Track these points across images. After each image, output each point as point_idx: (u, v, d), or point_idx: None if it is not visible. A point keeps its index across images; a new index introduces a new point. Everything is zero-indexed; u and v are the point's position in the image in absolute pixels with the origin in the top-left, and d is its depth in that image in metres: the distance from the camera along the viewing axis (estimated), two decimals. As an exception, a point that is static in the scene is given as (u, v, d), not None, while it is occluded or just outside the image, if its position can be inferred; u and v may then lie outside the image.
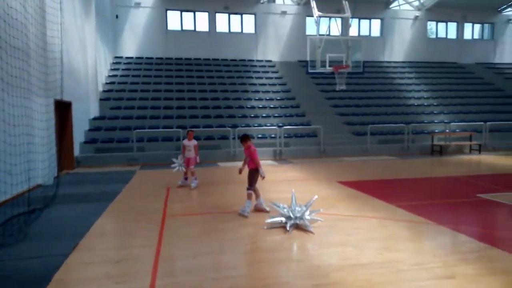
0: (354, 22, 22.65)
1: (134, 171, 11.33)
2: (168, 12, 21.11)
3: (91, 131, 13.94)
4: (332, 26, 20.08)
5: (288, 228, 5.11)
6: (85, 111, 13.73)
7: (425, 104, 19.06)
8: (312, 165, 12.25)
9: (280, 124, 15.36)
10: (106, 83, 17.79)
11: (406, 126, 15.46)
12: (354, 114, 17.34)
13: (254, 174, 6.14)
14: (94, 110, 14.94)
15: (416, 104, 18.99)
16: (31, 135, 7.95)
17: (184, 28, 21.38)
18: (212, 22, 21.47)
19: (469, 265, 3.91)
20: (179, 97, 17.28)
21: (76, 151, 12.28)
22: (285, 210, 5.33)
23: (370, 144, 14.83)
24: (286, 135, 14.65)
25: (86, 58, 13.59)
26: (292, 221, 5.19)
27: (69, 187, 8.74)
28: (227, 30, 21.88)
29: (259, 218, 5.82)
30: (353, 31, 22.31)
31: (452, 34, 24.54)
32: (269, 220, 5.38)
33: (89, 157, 12.57)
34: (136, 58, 20.61)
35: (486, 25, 24.77)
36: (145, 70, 19.55)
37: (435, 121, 17.30)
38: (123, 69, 19.44)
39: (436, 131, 16.28)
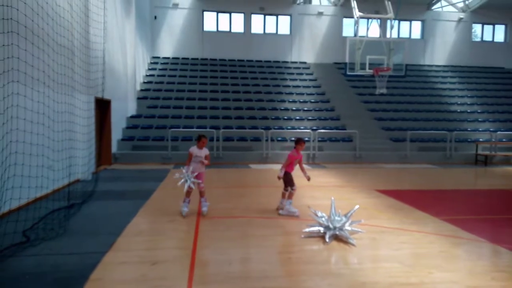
0: (394, 24, 21.88)
1: (168, 169, 11.43)
2: (205, 13, 21.32)
3: (128, 129, 14.27)
4: (371, 28, 19.43)
5: (327, 239, 4.86)
6: (123, 109, 14.08)
7: (469, 111, 18.02)
8: (348, 171, 11.85)
9: (314, 127, 15.03)
10: (144, 82, 18.20)
11: (448, 133, 14.65)
12: (392, 119, 16.67)
13: (286, 176, 6.24)
14: (132, 108, 15.30)
15: (459, 110, 18.00)
16: (73, 131, 8.17)
17: (219, 29, 21.52)
18: (247, 23, 21.46)
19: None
20: (213, 97, 17.37)
21: (114, 148, 12.59)
22: (323, 219, 5.08)
23: (410, 151, 14.16)
24: (320, 139, 14.31)
25: (126, 58, 13.94)
26: (331, 232, 4.93)
27: (106, 184, 8.92)
28: (262, 31, 21.80)
29: (297, 226, 5.60)
30: (393, 33, 21.57)
31: (500, 37, 23.12)
32: (307, 229, 5.14)
33: (126, 154, 12.85)
34: (173, 58, 20.97)
35: (538, 28, 23.13)
36: (181, 71, 19.84)
37: (480, 129, 16.30)
38: (160, 69, 19.83)
39: (481, 139, 15.32)
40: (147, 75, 19.06)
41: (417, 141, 14.91)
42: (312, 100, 17.97)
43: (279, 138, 14.55)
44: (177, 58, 20.98)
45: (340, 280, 3.76)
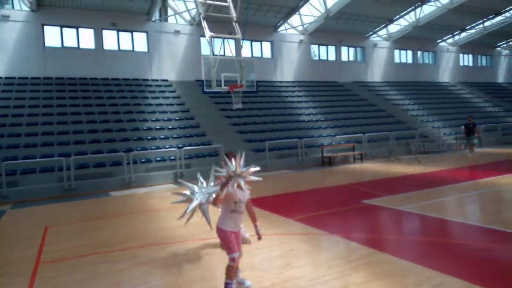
0: (246, 44, 23.66)
1: (3, 211, 9.48)
2: (45, 27, 18.88)
3: None
4: (226, 47, 20.62)
5: (191, 207, 4.59)
6: None
7: (314, 120, 20.74)
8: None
9: (180, 145, 14.86)
10: (-36, 107, 14.82)
11: (299, 141, 16.51)
12: (252, 131, 17.84)
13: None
14: None
15: (306, 120, 20.52)
16: None
17: (65, 45, 19.35)
18: (98, 38, 19.92)
19: (359, 273, 4.13)
20: (61, 120, 15.38)
21: None
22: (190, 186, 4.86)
23: (269, 160, 15.36)
24: (186, 156, 14.19)
25: None
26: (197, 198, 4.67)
27: None
28: (116, 48, 20.56)
29: (153, 252, 5.31)
30: (246, 52, 23.26)
31: (332, 56, 27.55)
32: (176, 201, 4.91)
33: None
34: (6, 78, 17.79)
35: (358, 49, 28.49)
36: (17, 92, 16.96)
37: (323, 135, 18.92)
38: (-13, 91, 16.51)
39: (325, 144, 17.78)
40: (-31, 99, 15.61)
41: (275, 150, 16.32)
42: (177, 118, 17.78)
43: (143, 160, 13.83)
44: (12, 78, 17.90)
45: (197, 301, 3.69)
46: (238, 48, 15.52)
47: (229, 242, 3.72)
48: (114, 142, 14.59)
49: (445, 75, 31.58)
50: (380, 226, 6.48)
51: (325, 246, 5.32)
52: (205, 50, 22.55)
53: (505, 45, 34.06)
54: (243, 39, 12.94)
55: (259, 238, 4.03)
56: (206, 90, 12.16)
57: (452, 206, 7.57)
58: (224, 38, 13.05)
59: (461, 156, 16.27)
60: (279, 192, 9.95)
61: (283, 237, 5.71)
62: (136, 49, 21.13)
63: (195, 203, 4.53)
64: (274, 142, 16.33)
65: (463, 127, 16.79)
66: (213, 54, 13.61)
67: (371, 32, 27.20)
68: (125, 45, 20.93)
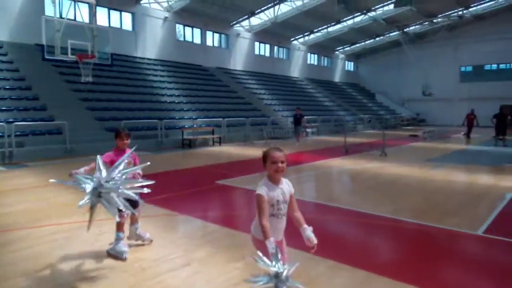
0: (103, 11, 21.29)
1: None
2: None
3: None
4: (78, 12, 18.10)
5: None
6: None
7: (176, 101, 20.43)
8: (56, 167, 10.59)
9: (11, 119, 12.43)
10: None
11: (159, 122, 16.01)
12: (106, 109, 16.34)
13: None
14: None
15: (168, 101, 20.03)
16: None
17: None
18: None
19: (203, 249, 4.32)
20: None
21: None
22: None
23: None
24: (19, 133, 12.00)
25: None
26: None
27: None
28: None
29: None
30: (102, 21, 20.94)
31: (197, 40, 27.46)
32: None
33: None
34: None
35: (223, 36, 29.20)
36: None
37: (185, 117, 18.86)
38: None
39: (186, 126, 17.77)
40: None
41: (133, 130, 15.35)
42: (8, 87, 14.75)
43: (-45, 135, 11.04)
44: None
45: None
46: (92, 14, 13.83)
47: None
48: None
49: (295, 71, 35.56)
50: (228, 204, 6.91)
51: (173, 226, 5.36)
52: (50, 10, 19.25)
53: (341, 50, 40.51)
54: (97, 5, 11.57)
55: (312, 247, 2.67)
56: (47, 57, 10.47)
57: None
58: (76, 0, 11.43)
59: (300, 142, 18.71)
60: (133, 174, 9.46)
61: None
62: None
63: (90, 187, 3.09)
64: (131, 122, 15.38)
65: (293, 117, 18.29)
66: (60, 17, 11.76)
67: (234, 22, 28.23)
68: None
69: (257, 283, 2.09)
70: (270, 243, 2.24)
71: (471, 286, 3.58)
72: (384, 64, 40.58)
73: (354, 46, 39.32)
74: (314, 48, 36.78)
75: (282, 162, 2.60)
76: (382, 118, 33.84)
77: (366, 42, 38.36)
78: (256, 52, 31.46)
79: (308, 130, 23.48)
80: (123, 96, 17.99)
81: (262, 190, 2.53)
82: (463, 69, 36.64)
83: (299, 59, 36.04)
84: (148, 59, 23.83)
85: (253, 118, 20.92)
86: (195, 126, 18.02)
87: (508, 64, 34.06)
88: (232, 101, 23.71)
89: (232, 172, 9.65)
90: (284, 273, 2.09)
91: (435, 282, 3.53)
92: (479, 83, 34.97)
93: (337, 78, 41.61)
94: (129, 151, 3.85)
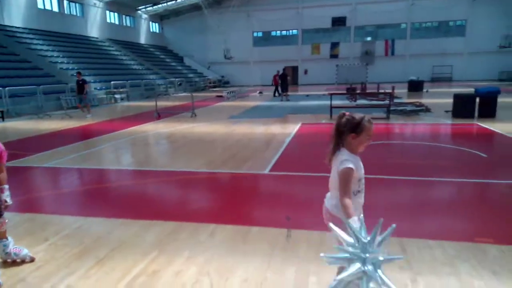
0: None
1: None
2: None
3: None
4: None
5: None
6: None
7: None
8: None
9: None
10: None
11: None
12: None
13: None
14: None
15: None
16: None
17: None
18: None
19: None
20: None
21: None
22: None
23: None
24: None
25: None
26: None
27: None
28: None
29: None
30: None
31: None
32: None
33: None
34: None
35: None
36: None
37: None
38: None
39: None
40: None
41: None
42: None
43: None
44: None
45: None
46: None
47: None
48: None
49: (93, 30, 31.89)
50: (23, 187, 5.99)
51: None
52: None
53: (144, 9, 38.68)
54: None
55: None
56: None
57: (97, 155, 8.14)
58: None
59: (110, 109, 17.55)
60: None
61: None
62: None
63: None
64: None
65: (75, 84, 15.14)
66: None
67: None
68: None
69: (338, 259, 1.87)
70: (355, 222, 2.03)
71: (263, 208, 4.51)
72: (190, 28, 41.43)
73: (156, 6, 38.20)
74: (113, 5, 33.68)
75: None
76: (191, 81, 35.10)
77: (168, 3, 37.89)
78: (40, 6, 26.26)
79: (117, 96, 22.09)
80: None
81: (350, 163, 2.25)
82: (255, 34, 41.60)
83: (97, 17, 32.35)
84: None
85: (46, 86, 17.87)
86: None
87: (290, 31, 40.78)
88: (14, 66, 19.45)
89: (25, 151, 8.23)
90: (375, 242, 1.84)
91: (240, 215, 4.27)
92: (268, 47, 40.69)
93: (142, 39, 39.85)
94: None
